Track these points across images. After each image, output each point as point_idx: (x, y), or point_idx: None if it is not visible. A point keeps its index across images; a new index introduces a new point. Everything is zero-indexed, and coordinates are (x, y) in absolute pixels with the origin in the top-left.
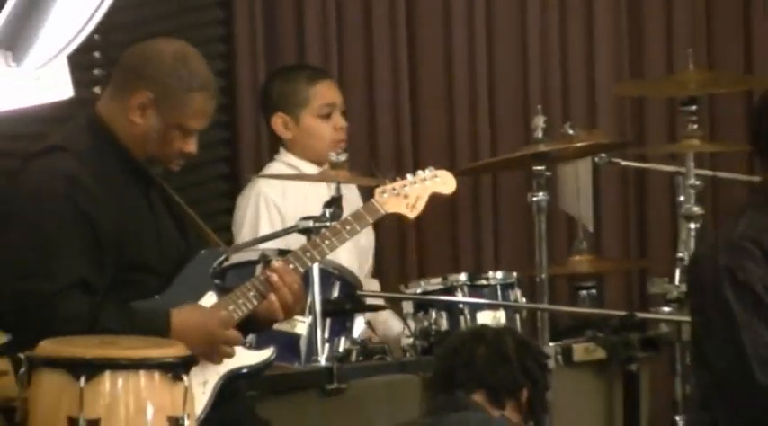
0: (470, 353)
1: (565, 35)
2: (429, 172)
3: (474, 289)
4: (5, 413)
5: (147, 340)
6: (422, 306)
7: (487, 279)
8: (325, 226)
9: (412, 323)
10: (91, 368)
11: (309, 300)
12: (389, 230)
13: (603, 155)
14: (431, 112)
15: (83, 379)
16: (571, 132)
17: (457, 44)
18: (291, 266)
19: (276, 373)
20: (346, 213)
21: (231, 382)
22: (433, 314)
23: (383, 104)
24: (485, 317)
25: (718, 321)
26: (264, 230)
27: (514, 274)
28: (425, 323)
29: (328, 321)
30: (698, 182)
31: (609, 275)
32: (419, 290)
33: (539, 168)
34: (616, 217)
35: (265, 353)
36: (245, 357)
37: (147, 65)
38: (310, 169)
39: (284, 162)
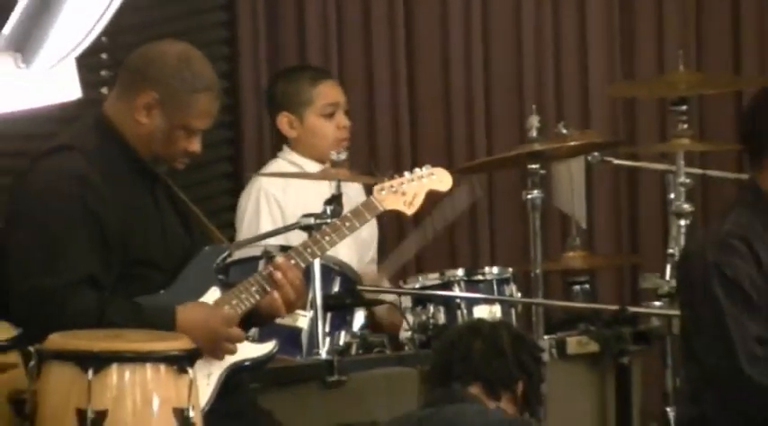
0: (467, 347)
1: (558, 38)
2: (426, 169)
3: (471, 284)
4: (15, 405)
5: (153, 333)
6: (420, 300)
7: (484, 274)
8: (326, 223)
9: (410, 318)
10: (98, 361)
11: (311, 295)
12: (388, 227)
13: (596, 153)
14: (428, 113)
15: (91, 372)
16: (565, 132)
17: (453, 46)
18: (293, 262)
19: (278, 366)
20: (347, 210)
21: (235, 374)
22: (431, 308)
23: (382, 105)
24: (481, 312)
25: (707, 316)
26: (265, 225)
27: (510, 270)
28: (423, 318)
29: (329, 315)
30: (688, 180)
31: (601, 270)
32: (417, 285)
33: (533, 167)
34: (608, 215)
35: (268, 346)
36: (248, 350)
37: (152, 66)
38: (312, 166)
39: (287, 159)
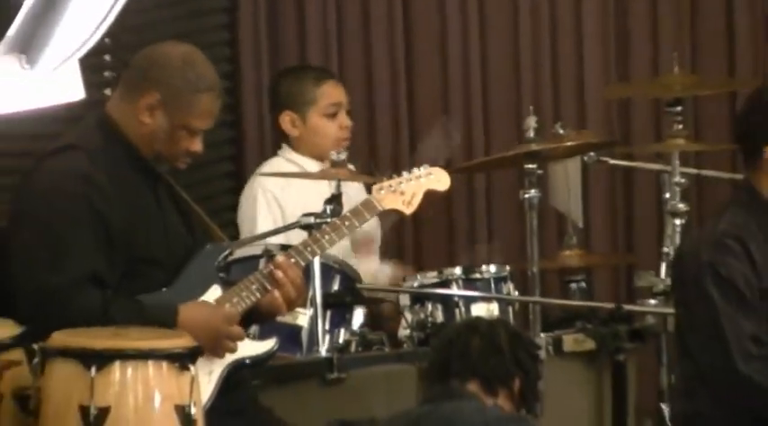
0: (465, 344)
1: (555, 40)
2: (424, 169)
3: (468, 283)
4: (20, 401)
5: (155, 331)
6: (418, 298)
7: (481, 272)
8: (326, 222)
9: (409, 316)
10: (101, 359)
11: (311, 293)
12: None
13: (592, 153)
14: (427, 113)
15: (93, 369)
16: (561, 132)
17: (452, 48)
18: (293, 260)
19: (279, 363)
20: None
21: (236, 371)
22: (430, 306)
23: (381, 105)
24: (479, 310)
25: (702, 314)
26: (263, 223)
27: (507, 268)
28: (422, 316)
29: (329, 313)
30: (683, 180)
31: (597, 269)
32: (416, 284)
33: (530, 166)
34: (604, 214)
35: (268, 344)
36: (249, 347)
37: (155, 67)
38: (311, 165)
39: (285, 157)
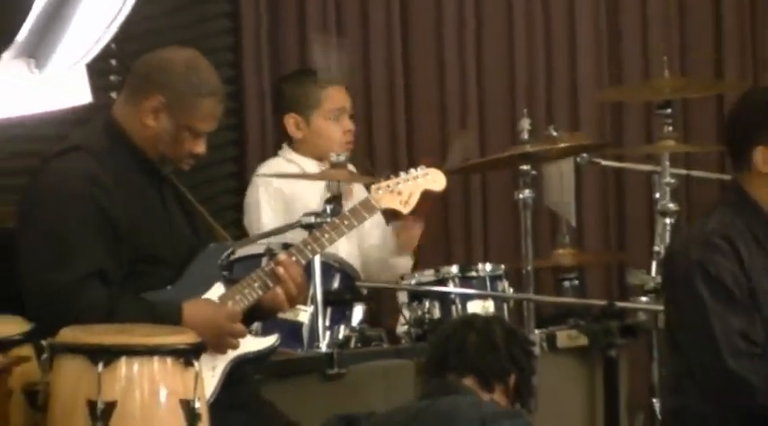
0: (462, 340)
1: (549, 45)
2: (421, 170)
3: (465, 281)
4: (29, 396)
5: (161, 328)
6: (416, 296)
7: (477, 271)
8: (326, 222)
9: (407, 312)
10: (108, 354)
11: (311, 291)
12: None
13: (585, 155)
14: (424, 116)
15: (101, 365)
16: (555, 134)
17: (448, 52)
18: (294, 258)
19: (280, 358)
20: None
21: (238, 367)
22: (427, 303)
23: (379, 107)
24: (475, 307)
25: (692, 312)
26: (266, 215)
27: (502, 266)
28: (419, 312)
29: (329, 310)
30: (673, 181)
31: (590, 267)
32: (413, 281)
33: (525, 167)
34: (597, 213)
35: (270, 340)
36: (252, 343)
37: (160, 72)
38: (310, 165)
39: (285, 158)
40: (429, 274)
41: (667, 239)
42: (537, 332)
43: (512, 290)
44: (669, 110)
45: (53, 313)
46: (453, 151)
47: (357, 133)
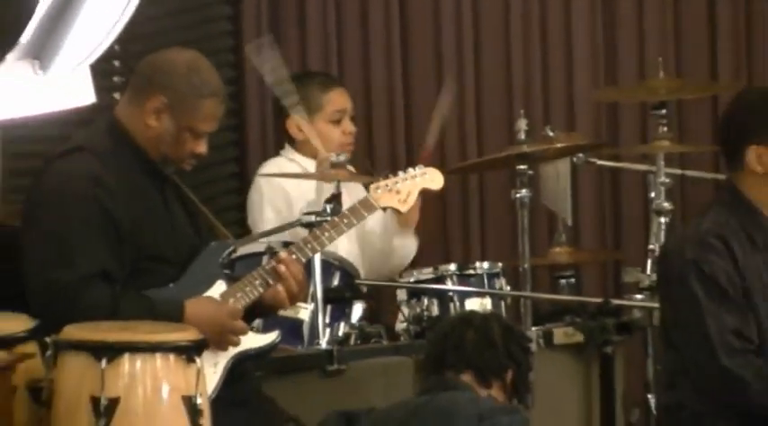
0: (460, 337)
1: (545, 46)
2: (419, 169)
3: (462, 278)
4: (33, 393)
5: (163, 325)
6: (415, 293)
7: (475, 268)
8: (326, 221)
9: (406, 310)
10: (111, 351)
11: (312, 288)
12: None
13: (581, 155)
14: (422, 116)
15: (104, 361)
16: (551, 134)
17: (446, 54)
18: (294, 256)
19: (281, 355)
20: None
21: (240, 363)
22: (425, 301)
23: (379, 107)
24: (472, 304)
25: (686, 310)
26: (268, 213)
27: (499, 264)
28: (418, 310)
29: (329, 307)
30: (668, 180)
31: (586, 265)
32: (412, 279)
33: (522, 167)
34: (593, 212)
35: (271, 336)
36: (253, 340)
37: (162, 73)
38: (311, 165)
39: (287, 157)
40: (427, 272)
41: (662, 238)
42: (534, 329)
43: (509, 288)
44: (664, 111)
45: (57, 312)
46: (432, 127)
47: (356, 133)
